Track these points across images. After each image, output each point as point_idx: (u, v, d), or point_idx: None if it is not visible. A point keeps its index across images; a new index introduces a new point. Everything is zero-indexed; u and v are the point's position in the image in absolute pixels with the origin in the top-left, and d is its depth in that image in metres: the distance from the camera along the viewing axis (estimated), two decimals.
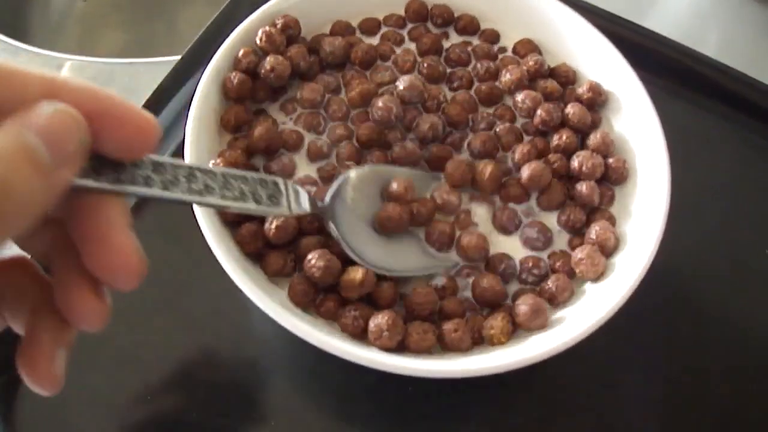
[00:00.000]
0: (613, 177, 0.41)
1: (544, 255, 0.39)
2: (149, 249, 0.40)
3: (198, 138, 0.39)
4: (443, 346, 0.36)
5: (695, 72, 0.53)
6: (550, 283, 0.37)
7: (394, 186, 0.39)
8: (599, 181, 0.40)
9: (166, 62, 0.51)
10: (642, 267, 0.36)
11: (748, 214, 0.49)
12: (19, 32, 0.67)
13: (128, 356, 0.41)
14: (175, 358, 0.41)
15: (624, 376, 0.42)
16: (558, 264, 0.39)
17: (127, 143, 0.23)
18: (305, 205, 0.34)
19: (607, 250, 0.38)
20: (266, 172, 0.40)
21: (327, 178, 0.40)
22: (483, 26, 0.47)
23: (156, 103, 0.48)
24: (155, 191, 0.25)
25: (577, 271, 0.38)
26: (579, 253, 0.38)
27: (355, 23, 0.46)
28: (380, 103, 0.41)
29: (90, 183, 0.23)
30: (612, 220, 0.40)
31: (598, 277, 0.38)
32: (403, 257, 0.38)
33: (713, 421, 0.41)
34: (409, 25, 0.47)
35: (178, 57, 0.50)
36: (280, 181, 0.32)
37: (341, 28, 0.45)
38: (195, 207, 0.35)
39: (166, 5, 0.78)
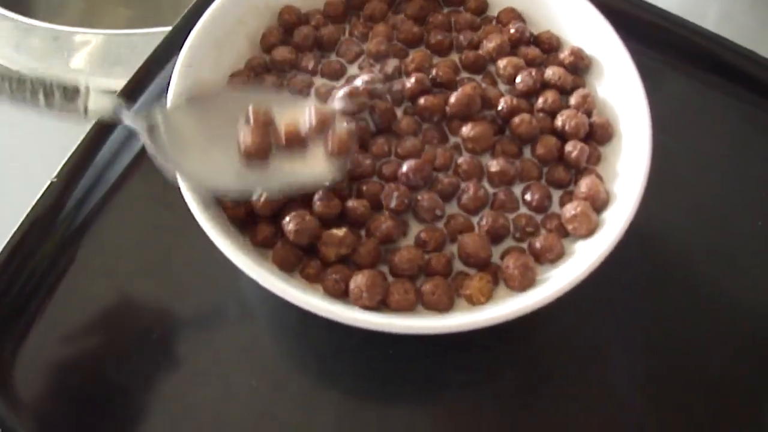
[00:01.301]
0: (598, 134, 0.40)
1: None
2: (138, 213, 0.42)
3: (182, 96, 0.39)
4: (424, 305, 0.36)
5: (691, 44, 0.52)
6: (538, 242, 0.37)
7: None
8: (585, 140, 0.40)
9: (163, 33, 0.51)
10: (622, 224, 0.35)
11: (743, 186, 0.48)
12: (22, 7, 0.68)
13: (114, 318, 0.42)
14: (158, 321, 0.42)
15: (609, 343, 0.42)
16: (550, 222, 0.38)
17: None
18: (100, 108, 0.35)
19: (598, 204, 0.38)
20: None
21: None
22: None
23: (147, 70, 0.48)
24: None
25: (570, 228, 0.37)
26: (571, 210, 0.37)
27: None
28: None
29: None
30: (599, 179, 0.39)
31: (590, 234, 0.37)
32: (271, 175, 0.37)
33: (698, 389, 0.41)
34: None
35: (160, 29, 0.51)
36: (81, 86, 0.34)
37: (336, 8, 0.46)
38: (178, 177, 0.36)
39: None
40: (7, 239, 0.42)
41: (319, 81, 0.43)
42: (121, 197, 0.46)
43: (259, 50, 0.45)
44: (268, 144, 0.37)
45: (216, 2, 0.42)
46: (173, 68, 0.40)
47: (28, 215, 0.43)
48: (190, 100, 0.38)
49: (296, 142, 0.37)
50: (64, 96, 0.33)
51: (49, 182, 0.44)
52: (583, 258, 0.36)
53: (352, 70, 0.44)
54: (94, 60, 0.55)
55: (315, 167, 0.37)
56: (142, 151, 0.46)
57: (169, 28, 0.51)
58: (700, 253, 0.45)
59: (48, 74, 0.33)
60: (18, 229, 0.43)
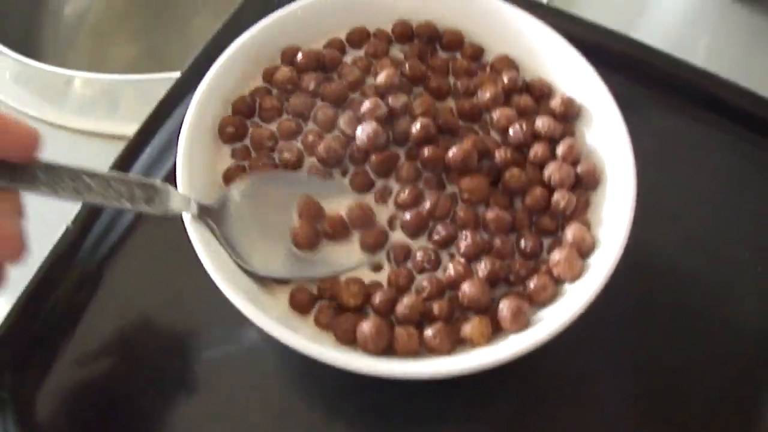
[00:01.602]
0: (585, 182, 0.42)
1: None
2: (150, 255, 0.43)
3: (190, 150, 0.41)
4: (427, 349, 0.38)
5: (680, 79, 0.54)
6: (531, 285, 0.39)
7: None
8: (574, 186, 0.42)
9: (173, 79, 0.53)
10: (607, 269, 0.37)
11: (732, 219, 0.50)
12: (30, 46, 0.70)
13: (129, 356, 0.44)
14: (172, 358, 0.44)
15: (601, 371, 0.44)
16: (541, 268, 0.40)
17: (11, 148, 0.30)
18: (176, 207, 0.37)
19: (584, 250, 0.40)
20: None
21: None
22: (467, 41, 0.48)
23: (156, 119, 0.50)
24: (39, 188, 0.32)
25: (555, 273, 0.39)
26: (557, 255, 0.39)
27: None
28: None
29: None
30: (587, 224, 0.41)
31: (575, 278, 0.39)
32: (317, 263, 0.41)
33: (688, 414, 0.43)
34: (398, 46, 0.49)
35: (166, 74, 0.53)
36: (159, 183, 0.37)
37: (335, 44, 0.48)
38: (185, 218, 0.38)
39: (176, 16, 0.80)
40: (28, 281, 0.44)
41: (320, 104, 0.45)
42: (134, 240, 0.47)
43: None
44: (316, 236, 0.41)
45: (221, 58, 0.44)
46: (181, 117, 0.42)
47: (47, 258, 0.45)
48: (247, 182, 0.41)
49: (341, 234, 0.41)
50: (145, 199, 0.36)
51: (65, 227, 0.46)
52: (573, 300, 0.38)
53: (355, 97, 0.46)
54: (99, 103, 0.57)
55: (353, 253, 0.41)
56: None
57: (174, 74, 0.53)
58: (689, 283, 0.47)
59: (129, 176, 0.36)
60: (38, 271, 0.45)
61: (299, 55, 0.46)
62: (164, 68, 0.58)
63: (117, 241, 0.47)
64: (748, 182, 0.52)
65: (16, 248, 0.32)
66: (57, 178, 0.33)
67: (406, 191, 0.42)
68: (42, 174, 0.32)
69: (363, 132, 0.42)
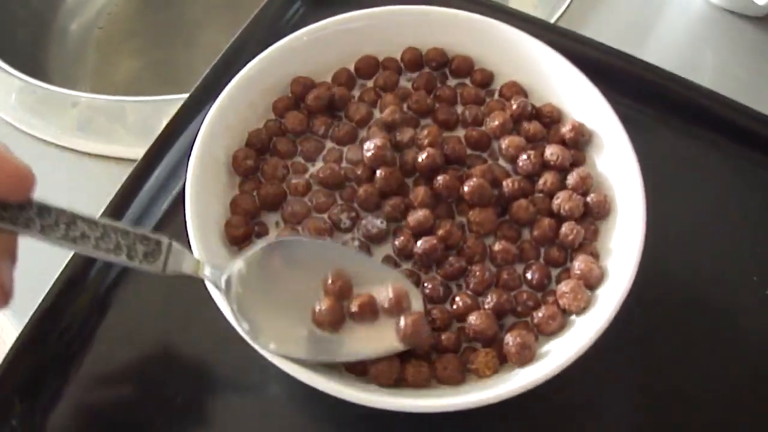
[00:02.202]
0: (595, 212, 0.42)
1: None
2: (159, 280, 0.43)
3: (199, 179, 0.41)
4: (437, 380, 0.38)
5: (684, 99, 0.54)
6: (540, 314, 0.39)
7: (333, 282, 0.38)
8: (583, 216, 0.42)
9: (178, 99, 0.53)
10: (614, 304, 0.37)
11: (739, 242, 0.50)
12: (36, 64, 0.70)
13: (139, 384, 0.44)
14: (181, 385, 0.44)
15: (607, 399, 0.44)
16: (549, 299, 0.41)
17: (4, 187, 0.29)
18: (183, 268, 0.35)
19: (591, 282, 0.40)
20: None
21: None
22: (477, 67, 0.48)
23: (164, 142, 0.50)
24: (33, 233, 0.30)
25: (561, 303, 0.40)
26: (563, 287, 0.40)
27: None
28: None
29: None
30: (595, 254, 0.41)
31: (582, 310, 0.39)
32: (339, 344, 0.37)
33: None
34: (407, 74, 0.49)
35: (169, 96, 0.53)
36: (164, 241, 0.34)
37: (342, 77, 0.48)
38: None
39: (183, 30, 0.80)
40: (35, 308, 0.44)
41: (329, 145, 0.46)
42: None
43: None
44: (341, 317, 0.37)
45: (227, 88, 0.44)
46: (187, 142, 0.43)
47: (54, 284, 0.45)
48: (268, 247, 0.38)
49: (369, 316, 0.38)
50: (145, 256, 0.33)
51: (72, 253, 0.46)
52: (580, 333, 0.38)
53: (363, 134, 0.46)
54: (105, 124, 0.57)
55: (383, 340, 0.37)
56: (159, 224, 0.48)
57: (180, 96, 0.53)
58: (695, 308, 0.47)
59: (132, 229, 0.33)
60: (45, 297, 0.44)
61: (310, 96, 0.46)
62: (171, 84, 0.58)
63: (124, 268, 0.47)
64: (755, 205, 0.51)
65: (1, 296, 0.30)
66: (50, 222, 0.31)
67: (420, 213, 0.41)
68: (35, 216, 0.30)
69: (369, 146, 0.42)
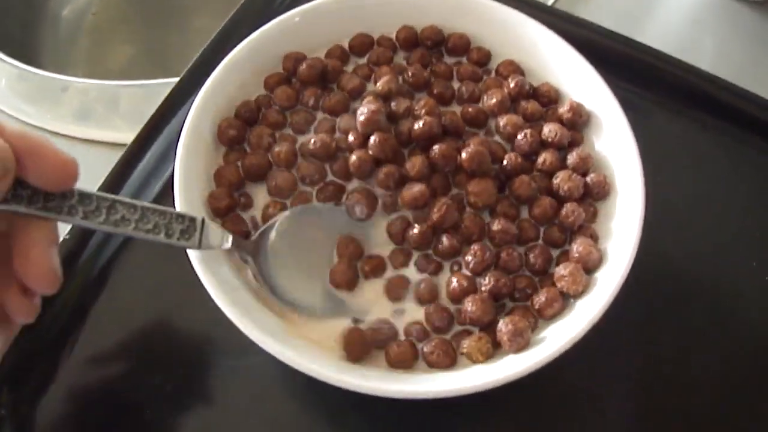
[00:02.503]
0: (594, 192, 0.42)
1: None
2: (148, 266, 0.42)
3: (188, 160, 0.40)
4: (427, 363, 0.38)
5: (686, 83, 0.53)
6: (541, 296, 0.39)
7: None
8: (583, 196, 0.42)
9: (170, 84, 0.52)
10: (613, 288, 0.37)
11: (738, 227, 0.49)
12: (28, 50, 0.69)
13: (130, 369, 0.44)
14: (172, 372, 0.43)
15: (606, 389, 0.43)
16: (547, 281, 0.40)
17: (48, 177, 0.30)
18: (214, 243, 0.36)
19: (590, 265, 0.39)
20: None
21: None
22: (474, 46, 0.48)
23: (154, 126, 0.49)
24: (76, 220, 0.32)
25: (559, 286, 0.39)
26: (562, 270, 0.39)
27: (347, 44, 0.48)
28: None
29: (21, 209, 0.30)
30: (594, 237, 0.41)
31: (581, 293, 0.39)
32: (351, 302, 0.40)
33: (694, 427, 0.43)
34: (402, 53, 0.48)
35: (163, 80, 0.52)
36: (198, 218, 0.36)
37: (336, 53, 0.47)
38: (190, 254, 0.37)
39: (175, 16, 0.80)
40: None
41: (320, 116, 0.45)
42: (132, 252, 0.47)
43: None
44: (355, 277, 0.40)
45: (216, 71, 0.43)
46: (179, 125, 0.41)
47: None
48: (284, 217, 0.40)
49: (380, 271, 0.40)
50: (182, 233, 0.35)
51: (61, 239, 0.45)
52: (577, 318, 0.37)
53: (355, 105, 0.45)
54: (96, 110, 0.56)
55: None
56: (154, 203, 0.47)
57: (171, 80, 0.52)
58: (695, 294, 0.46)
59: (168, 209, 0.35)
60: None
61: (302, 67, 0.45)
62: (164, 69, 0.57)
63: (115, 251, 0.47)
64: (755, 189, 0.51)
65: (50, 280, 0.31)
66: (92, 208, 0.32)
67: (416, 189, 0.40)
68: (77, 203, 0.32)
69: (363, 111, 0.41)
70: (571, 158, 0.42)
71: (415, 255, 0.41)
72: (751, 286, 0.47)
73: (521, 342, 0.37)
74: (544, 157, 0.42)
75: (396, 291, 0.40)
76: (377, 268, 0.40)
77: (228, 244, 0.37)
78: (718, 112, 0.52)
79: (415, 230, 0.40)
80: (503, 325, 0.37)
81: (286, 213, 0.40)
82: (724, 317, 0.46)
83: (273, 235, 0.39)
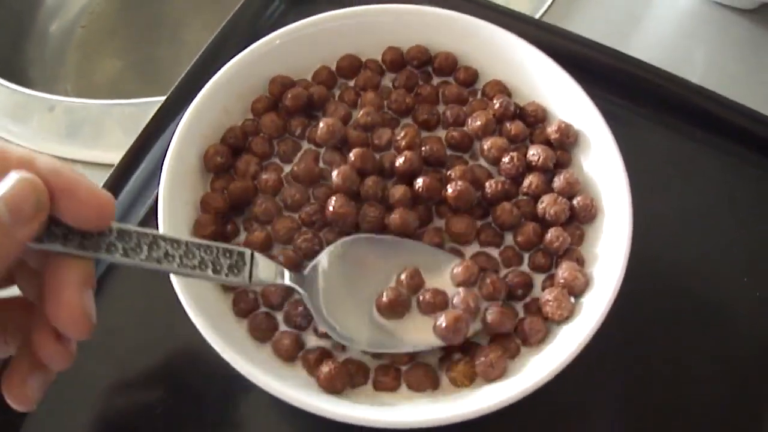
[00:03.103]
0: (581, 215, 0.41)
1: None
2: (133, 291, 0.41)
3: (172, 189, 0.40)
4: (408, 386, 0.38)
5: (675, 96, 0.52)
6: (525, 324, 0.38)
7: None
8: (569, 219, 0.41)
9: (158, 102, 0.52)
10: (598, 315, 0.36)
11: (730, 242, 0.49)
12: (16, 67, 0.69)
13: (117, 395, 0.43)
14: (160, 396, 0.43)
15: (596, 406, 0.43)
16: (532, 306, 0.40)
17: (83, 217, 0.28)
18: (266, 278, 0.35)
19: (576, 290, 0.39)
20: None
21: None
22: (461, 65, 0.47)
23: (141, 147, 0.49)
24: (116, 257, 0.29)
25: (544, 312, 0.39)
26: (547, 295, 0.39)
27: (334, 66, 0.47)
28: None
29: (57, 247, 0.28)
30: (581, 260, 0.40)
31: (566, 319, 0.38)
32: (399, 335, 0.38)
33: None
34: (388, 75, 0.48)
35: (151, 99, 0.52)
36: (247, 252, 0.34)
37: (323, 75, 0.46)
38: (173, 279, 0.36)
39: (165, 28, 0.79)
40: None
41: (306, 146, 0.45)
42: (118, 275, 0.46)
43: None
44: (403, 304, 0.38)
45: (198, 97, 0.43)
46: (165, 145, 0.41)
47: None
48: (345, 243, 0.39)
49: (434, 311, 0.38)
50: (230, 268, 0.33)
51: None
52: (561, 346, 0.37)
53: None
54: (83, 129, 0.56)
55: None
56: (140, 225, 0.47)
57: (158, 99, 0.52)
58: (685, 310, 0.46)
59: (213, 243, 0.33)
60: None
61: (287, 97, 0.44)
62: (154, 83, 0.57)
63: (103, 274, 0.46)
64: (745, 203, 0.50)
65: (82, 325, 0.29)
66: (132, 245, 0.30)
67: (398, 219, 0.40)
68: (116, 240, 0.30)
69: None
70: (558, 181, 0.42)
71: None
72: (742, 301, 0.47)
73: (493, 373, 0.37)
74: (530, 180, 0.42)
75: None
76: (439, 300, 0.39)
77: (284, 280, 0.36)
78: (708, 125, 0.52)
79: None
80: (481, 354, 0.37)
81: (338, 242, 0.39)
82: (715, 334, 0.45)
83: (325, 262, 0.38)
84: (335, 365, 0.37)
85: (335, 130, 0.42)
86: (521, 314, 0.40)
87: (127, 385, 0.43)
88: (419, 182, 0.41)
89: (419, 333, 0.38)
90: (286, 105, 0.45)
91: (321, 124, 0.42)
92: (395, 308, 0.38)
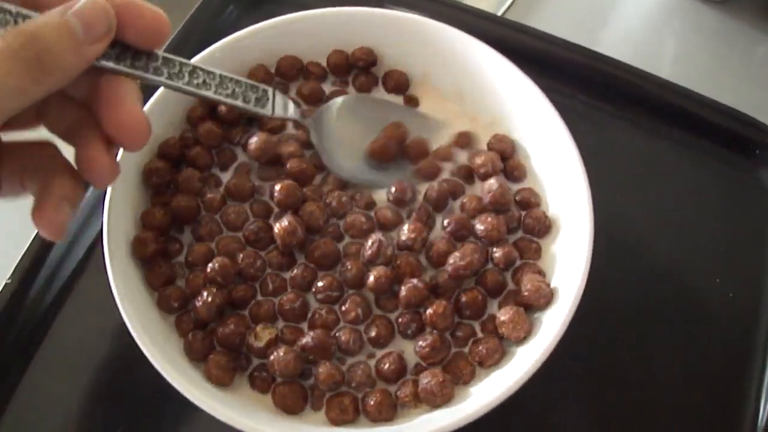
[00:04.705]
0: (535, 229, 0.41)
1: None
2: (94, 306, 0.41)
3: (117, 201, 0.39)
4: (367, 416, 0.37)
5: (644, 92, 0.52)
6: (481, 347, 0.37)
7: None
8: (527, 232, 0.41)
9: None
10: (555, 332, 0.35)
11: (702, 244, 0.48)
12: None
13: (78, 415, 0.43)
14: (122, 415, 0.42)
15: (565, 416, 0.42)
16: (489, 326, 0.39)
17: (143, 33, 0.30)
18: (291, 113, 0.40)
19: (542, 301, 0.38)
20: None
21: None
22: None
23: None
24: (161, 79, 0.32)
25: (500, 331, 0.38)
26: (503, 315, 0.38)
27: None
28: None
29: (112, 65, 0.30)
30: (542, 273, 0.39)
31: (523, 340, 0.37)
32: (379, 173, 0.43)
33: None
34: (331, 79, 0.47)
35: None
36: (270, 89, 0.38)
37: (260, 76, 0.45)
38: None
39: None
40: None
41: (241, 158, 0.44)
42: (76, 293, 0.46)
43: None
44: (391, 150, 0.43)
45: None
46: None
47: None
48: (345, 100, 0.44)
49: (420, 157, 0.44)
50: (258, 101, 0.37)
51: (3, 283, 0.44)
52: (516, 368, 0.36)
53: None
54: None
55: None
56: (93, 245, 0.47)
57: None
58: (657, 313, 0.45)
59: (243, 79, 0.36)
60: None
61: (222, 108, 0.44)
62: None
63: (59, 294, 0.46)
64: (716, 202, 0.49)
65: (143, 128, 0.31)
66: (176, 71, 0.33)
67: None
68: (161, 65, 0.32)
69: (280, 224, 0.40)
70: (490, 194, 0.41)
71: None
72: (715, 302, 0.46)
73: (444, 397, 0.36)
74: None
75: None
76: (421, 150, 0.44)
77: (292, 113, 0.40)
78: (680, 123, 0.51)
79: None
80: (424, 377, 0.36)
81: (344, 98, 0.44)
82: (687, 336, 0.45)
83: (333, 112, 0.43)
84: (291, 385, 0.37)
85: (266, 148, 0.42)
86: (478, 332, 0.39)
87: (85, 406, 0.43)
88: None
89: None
90: (223, 116, 0.44)
91: (253, 140, 0.42)
92: (382, 154, 0.42)
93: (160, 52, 0.32)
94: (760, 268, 0.47)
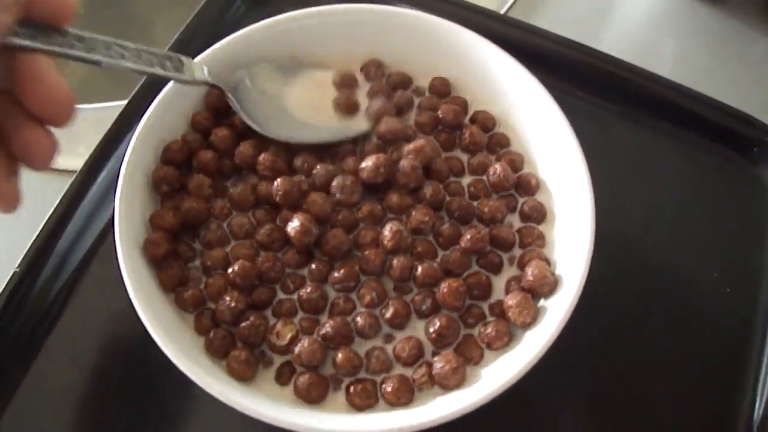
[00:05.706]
0: (532, 216, 0.42)
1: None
2: (101, 297, 0.42)
3: (127, 201, 0.40)
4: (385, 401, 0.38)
5: (644, 90, 0.52)
6: (490, 329, 0.38)
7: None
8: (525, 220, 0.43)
9: (115, 107, 0.51)
10: (559, 320, 0.36)
11: (700, 239, 0.49)
12: None
13: (83, 406, 0.43)
14: (126, 408, 0.43)
15: (563, 407, 0.43)
16: (496, 309, 0.40)
17: (50, 8, 0.31)
18: (206, 76, 0.41)
19: (546, 289, 0.39)
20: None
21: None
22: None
23: (102, 152, 0.49)
24: (79, 53, 0.33)
25: (507, 316, 0.39)
26: (510, 300, 0.38)
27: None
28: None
29: (28, 42, 0.31)
30: (547, 261, 0.40)
31: (529, 325, 0.38)
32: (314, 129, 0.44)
33: None
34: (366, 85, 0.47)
35: (125, 102, 0.51)
36: (185, 58, 0.40)
37: None
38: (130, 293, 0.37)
39: (132, 28, 0.77)
40: None
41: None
42: (84, 283, 0.46)
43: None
44: (354, 103, 0.45)
45: (148, 111, 0.42)
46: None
47: None
48: (249, 71, 0.44)
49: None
50: (176, 69, 0.39)
51: (12, 272, 0.45)
52: (524, 351, 0.37)
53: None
54: None
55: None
56: (102, 235, 0.47)
57: (119, 103, 0.51)
58: (655, 306, 0.46)
59: (158, 50, 0.38)
60: None
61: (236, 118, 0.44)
62: (123, 85, 0.56)
63: (66, 283, 0.46)
64: (717, 198, 0.50)
65: (69, 103, 0.31)
66: (91, 45, 0.34)
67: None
68: (76, 41, 0.33)
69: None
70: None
71: None
72: (712, 297, 0.46)
73: (458, 378, 0.37)
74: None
75: None
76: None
77: (207, 76, 0.41)
78: (679, 120, 0.52)
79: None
80: (438, 361, 0.37)
81: (252, 69, 0.45)
82: (685, 330, 0.45)
83: (247, 82, 0.44)
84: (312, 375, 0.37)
85: (276, 167, 0.43)
86: (487, 315, 0.40)
87: (91, 399, 0.43)
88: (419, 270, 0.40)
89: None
90: (238, 124, 0.44)
91: (261, 158, 0.42)
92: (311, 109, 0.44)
93: (73, 30, 0.33)
94: (757, 263, 0.48)
